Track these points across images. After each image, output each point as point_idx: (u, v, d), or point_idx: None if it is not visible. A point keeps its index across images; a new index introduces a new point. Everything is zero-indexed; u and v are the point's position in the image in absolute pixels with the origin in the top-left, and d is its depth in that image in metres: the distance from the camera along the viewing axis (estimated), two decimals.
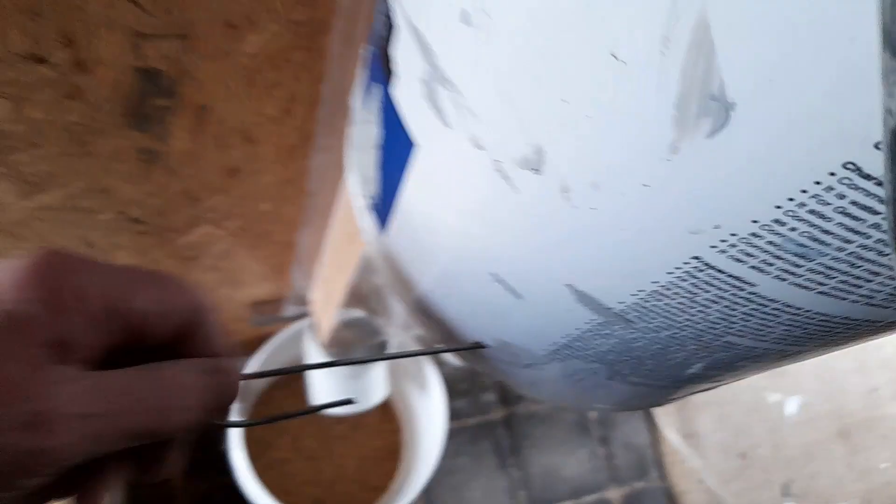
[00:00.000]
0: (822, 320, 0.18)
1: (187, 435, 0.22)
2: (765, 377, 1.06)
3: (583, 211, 0.18)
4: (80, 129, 0.46)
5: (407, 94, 0.22)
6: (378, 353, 0.71)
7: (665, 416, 1.05)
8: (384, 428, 0.93)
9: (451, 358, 0.96)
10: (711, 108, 0.14)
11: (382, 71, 0.23)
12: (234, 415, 0.71)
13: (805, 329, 0.19)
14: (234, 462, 0.71)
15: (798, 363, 0.23)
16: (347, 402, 0.30)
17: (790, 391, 1.13)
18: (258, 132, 0.52)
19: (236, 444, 0.71)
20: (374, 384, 0.76)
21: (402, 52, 0.22)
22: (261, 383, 0.87)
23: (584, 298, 0.21)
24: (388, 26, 0.22)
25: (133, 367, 0.20)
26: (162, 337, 0.21)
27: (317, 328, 0.70)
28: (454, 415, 0.92)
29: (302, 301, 0.84)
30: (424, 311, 0.31)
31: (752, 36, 0.12)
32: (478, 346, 0.29)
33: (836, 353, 0.22)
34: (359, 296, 0.67)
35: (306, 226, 0.68)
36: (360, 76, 0.30)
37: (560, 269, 0.21)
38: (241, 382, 0.23)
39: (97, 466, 0.22)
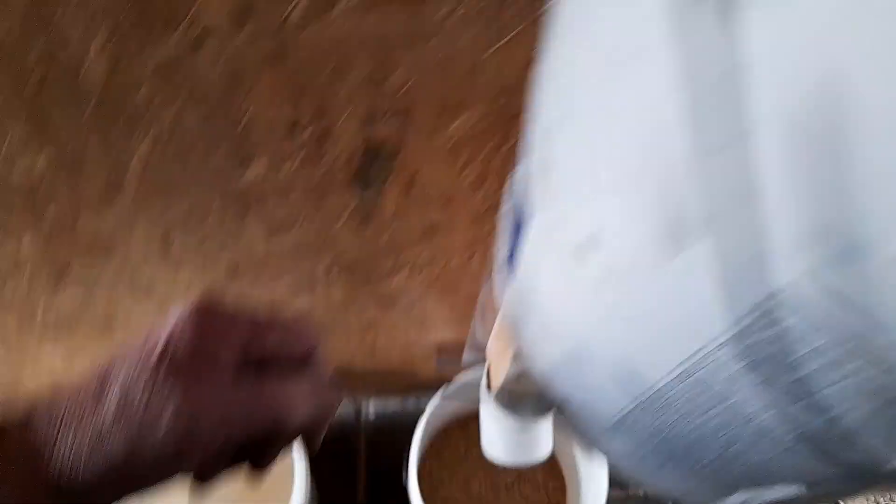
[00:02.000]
0: None
1: (296, 436, 0.29)
2: None
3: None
4: (316, 187, 0.56)
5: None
6: (546, 410, 0.74)
7: None
8: (550, 485, 0.95)
9: None
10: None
11: None
12: (415, 446, 0.78)
13: None
14: (411, 494, 0.77)
15: None
16: None
17: None
18: (455, 198, 0.60)
19: (413, 478, 0.78)
20: (540, 439, 0.78)
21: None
22: (440, 422, 0.93)
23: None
24: None
25: (265, 379, 0.27)
26: (284, 365, 0.29)
27: (489, 378, 0.75)
28: (620, 483, 0.92)
29: (480, 349, 0.90)
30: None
31: None
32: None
33: None
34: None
35: (488, 280, 0.74)
36: None
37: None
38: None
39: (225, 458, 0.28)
